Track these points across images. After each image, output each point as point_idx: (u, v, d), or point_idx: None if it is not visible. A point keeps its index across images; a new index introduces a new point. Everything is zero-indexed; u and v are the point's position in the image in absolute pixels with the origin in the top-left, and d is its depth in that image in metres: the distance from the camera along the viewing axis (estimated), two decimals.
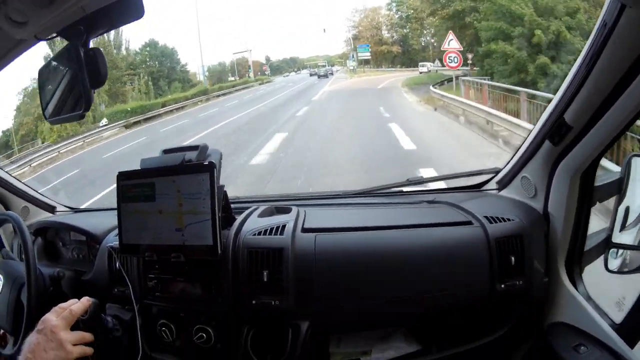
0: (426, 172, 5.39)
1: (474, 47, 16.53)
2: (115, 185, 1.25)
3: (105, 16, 0.84)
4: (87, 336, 1.02)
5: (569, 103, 0.98)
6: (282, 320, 1.16)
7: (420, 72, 24.66)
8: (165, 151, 1.30)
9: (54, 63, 0.95)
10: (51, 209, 1.89)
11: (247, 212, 1.33)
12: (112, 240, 1.40)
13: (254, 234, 1.19)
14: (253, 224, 1.25)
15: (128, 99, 22.43)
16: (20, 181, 1.77)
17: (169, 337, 1.24)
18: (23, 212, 1.71)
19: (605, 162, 1.12)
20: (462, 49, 14.03)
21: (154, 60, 26.45)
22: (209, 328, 1.18)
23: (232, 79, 33.71)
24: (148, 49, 26.90)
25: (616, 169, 1.23)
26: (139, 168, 1.26)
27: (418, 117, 11.54)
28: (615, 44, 0.82)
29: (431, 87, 14.23)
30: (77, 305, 1.02)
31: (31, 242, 1.29)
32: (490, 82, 11.63)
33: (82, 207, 2.04)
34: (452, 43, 14.08)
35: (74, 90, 0.86)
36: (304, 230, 1.21)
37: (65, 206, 1.92)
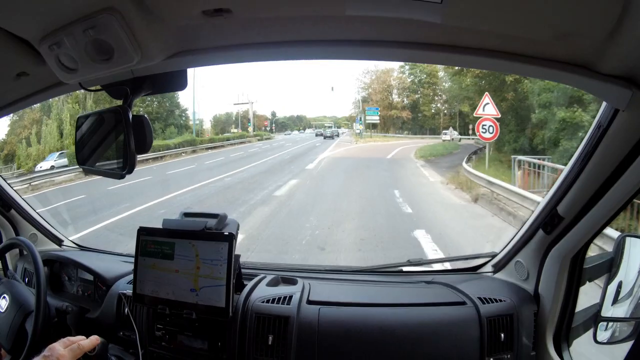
0: None
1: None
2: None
3: (151, 82, 1.00)
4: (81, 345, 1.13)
5: (562, 197, 1.13)
6: None
7: (443, 140, 25.03)
8: (186, 214, 1.48)
9: (98, 116, 1.07)
10: (58, 242, 2.03)
11: (256, 280, 1.48)
12: (124, 287, 1.54)
13: (263, 302, 1.33)
14: (262, 292, 1.40)
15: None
16: (34, 209, 1.94)
17: None
18: (31, 238, 1.85)
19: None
20: (499, 116, 11.45)
21: (153, 100, 26.28)
22: None
23: (235, 130, 34.27)
24: None
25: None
26: (161, 227, 1.42)
27: (455, 216, 7.79)
28: (607, 143, 0.94)
29: (464, 164, 11.89)
30: (86, 342, 1.14)
31: (44, 272, 1.42)
32: (558, 166, 8.17)
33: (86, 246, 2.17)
34: (487, 108, 11.60)
35: (117, 149, 0.97)
36: (309, 302, 1.35)
37: (72, 242, 2.07)
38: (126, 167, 0.94)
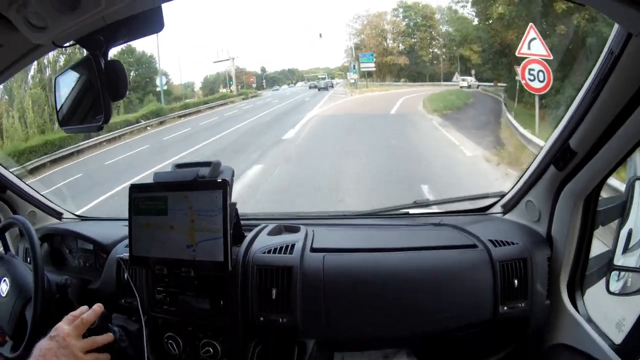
0: None
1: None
2: None
3: (126, 27, 0.96)
4: (99, 340, 1.16)
5: (574, 129, 1.11)
6: (289, 338, 1.31)
7: (461, 87, 22.91)
8: (178, 165, 1.46)
9: (72, 71, 1.05)
10: (58, 215, 2.06)
11: (256, 230, 1.49)
12: (122, 252, 1.55)
13: (264, 252, 1.34)
14: (263, 242, 1.41)
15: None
16: (29, 185, 1.95)
17: (175, 350, 1.39)
18: (30, 216, 1.89)
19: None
20: (550, 58, 8.48)
21: (130, 68, 25.51)
22: (216, 343, 1.33)
23: (224, 90, 33.07)
24: (125, 55, 25.92)
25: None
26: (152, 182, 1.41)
27: None
28: (620, 71, 0.92)
29: (516, 125, 8.96)
30: (89, 313, 1.16)
31: (40, 250, 1.44)
32: None
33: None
34: (535, 46, 8.73)
35: (94, 100, 0.96)
36: (313, 250, 1.36)
37: (72, 213, 2.09)
38: (102, 117, 0.93)
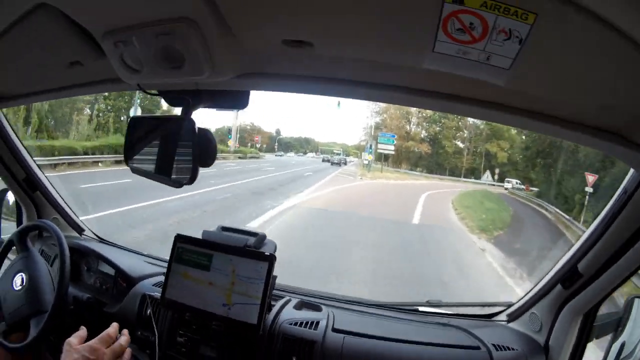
0: None
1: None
2: None
3: (213, 97, 1.13)
4: (123, 346, 1.34)
5: (584, 255, 1.36)
6: None
7: (506, 189, 22.96)
8: (224, 228, 1.73)
9: (157, 121, 1.23)
10: (79, 230, 2.29)
11: (282, 301, 1.74)
12: (149, 289, 1.80)
13: (291, 324, 1.59)
14: (290, 314, 1.66)
15: (71, 130, 20.56)
16: (59, 194, 2.20)
17: None
18: (53, 222, 2.03)
19: None
20: None
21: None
22: None
23: (231, 144, 33.48)
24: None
25: None
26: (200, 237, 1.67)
27: None
28: (631, 208, 1.13)
29: None
30: (124, 339, 1.36)
31: (68, 262, 1.68)
32: None
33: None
34: None
35: (178, 158, 1.13)
36: (334, 330, 1.59)
37: (92, 232, 2.33)
38: (188, 178, 1.10)
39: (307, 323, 1.60)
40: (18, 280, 1.74)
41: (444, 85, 0.92)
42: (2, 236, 2.24)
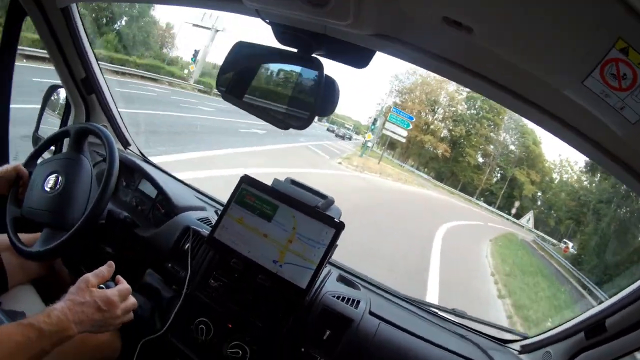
0: None
1: None
2: None
3: (337, 46, 1.18)
4: (135, 303, 1.44)
5: (615, 312, 1.48)
6: None
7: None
8: (293, 182, 1.85)
9: (272, 53, 1.25)
10: (125, 144, 2.45)
11: (326, 270, 1.90)
12: (193, 223, 1.95)
13: (334, 296, 1.75)
14: (333, 286, 1.83)
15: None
16: (114, 102, 2.33)
17: (201, 336, 1.73)
18: None
19: None
20: None
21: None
22: (248, 349, 1.69)
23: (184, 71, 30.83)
24: None
25: None
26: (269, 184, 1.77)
27: None
28: None
29: None
30: (134, 301, 1.44)
31: (116, 176, 1.77)
32: None
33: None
34: None
35: (293, 99, 1.19)
36: (371, 313, 1.76)
37: (138, 149, 2.48)
38: (300, 123, 1.18)
39: (348, 299, 1.76)
40: (51, 181, 1.80)
41: (569, 114, 1.07)
42: (39, 132, 2.35)
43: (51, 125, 2.43)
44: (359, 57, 1.23)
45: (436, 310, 2.16)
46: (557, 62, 0.88)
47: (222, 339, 1.74)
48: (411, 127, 28.00)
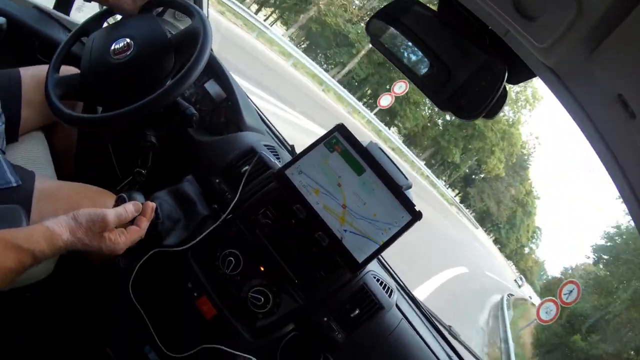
0: None
1: None
2: None
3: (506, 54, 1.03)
4: (140, 236, 1.34)
5: None
6: (326, 352, 1.62)
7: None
8: (380, 149, 1.69)
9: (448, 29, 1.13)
10: None
11: None
12: (261, 147, 1.80)
13: (374, 278, 1.70)
14: (376, 268, 1.77)
15: None
16: None
17: (225, 269, 1.60)
18: None
19: None
20: None
21: None
22: (272, 298, 1.58)
23: None
24: None
25: None
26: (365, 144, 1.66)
27: None
28: None
29: None
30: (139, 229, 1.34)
31: (206, 59, 1.59)
32: None
33: None
34: None
35: (464, 84, 1.10)
36: (397, 307, 1.74)
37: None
38: (465, 112, 1.11)
39: (386, 285, 1.73)
40: (121, 44, 1.61)
41: None
42: None
43: None
44: (519, 74, 1.10)
45: (436, 323, 2.11)
46: None
47: (247, 279, 1.61)
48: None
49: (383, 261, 2.03)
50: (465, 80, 1.12)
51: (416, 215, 1.60)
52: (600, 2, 0.75)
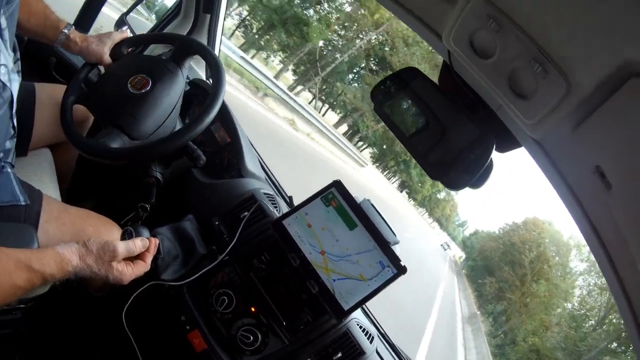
0: None
1: None
2: None
3: (494, 126, 1.12)
4: (145, 269, 1.41)
5: None
6: None
7: None
8: (372, 206, 1.81)
9: (441, 99, 1.17)
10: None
11: None
12: (261, 196, 1.89)
13: (358, 324, 1.80)
14: (360, 315, 1.88)
15: None
16: (221, 34, 2.27)
17: (218, 307, 1.70)
18: None
19: None
20: None
21: None
22: (260, 338, 1.67)
23: None
24: None
25: None
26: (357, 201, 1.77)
27: None
28: None
29: None
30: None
31: (220, 104, 1.64)
32: None
33: None
34: None
35: (448, 152, 1.15)
36: (377, 352, 1.84)
37: None
38: (448, 181, 1.15)
39: (367, 332, 1.82)
40: (138, 80, 1.66)
41: None
42: (127, 17, 2.22)
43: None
44: (506, 143, 1.16)
45: None
46: None
47: (238, 318, 1.71)
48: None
49: (366, 309, 2.14)
50: (457, 152, 1.18)
51: (401, 270, 1.70)
52: (586, 84, 0.81)
